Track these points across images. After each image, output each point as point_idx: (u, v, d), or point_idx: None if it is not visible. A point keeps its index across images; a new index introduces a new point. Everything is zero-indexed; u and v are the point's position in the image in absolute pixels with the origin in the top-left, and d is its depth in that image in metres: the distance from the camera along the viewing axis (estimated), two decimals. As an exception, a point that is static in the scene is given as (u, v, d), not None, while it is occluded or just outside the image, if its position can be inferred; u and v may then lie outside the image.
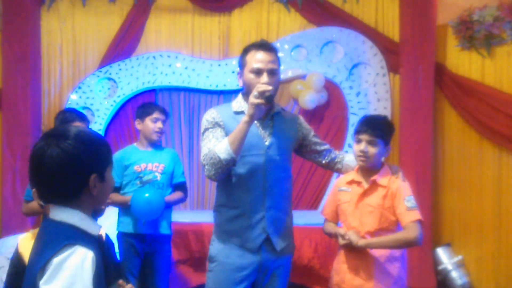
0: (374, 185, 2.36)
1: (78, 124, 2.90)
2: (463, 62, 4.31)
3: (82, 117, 2.99)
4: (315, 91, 4.51)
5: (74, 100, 4.73)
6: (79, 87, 4.76)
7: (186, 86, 4.76)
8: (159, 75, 4.75)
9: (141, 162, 3.19)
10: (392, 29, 4.59)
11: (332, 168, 2.52)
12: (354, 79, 4.58)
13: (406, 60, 4.35)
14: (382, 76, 4.52)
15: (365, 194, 2.37)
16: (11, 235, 4.17)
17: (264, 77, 2.19)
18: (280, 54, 4.65)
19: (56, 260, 1.27)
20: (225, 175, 2.19)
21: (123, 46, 4.84)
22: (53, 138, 1.37)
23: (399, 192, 2.33)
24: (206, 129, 2.25)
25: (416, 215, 2.29)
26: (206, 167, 2.16)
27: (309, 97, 4.48)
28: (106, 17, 4.87)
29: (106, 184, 1.45)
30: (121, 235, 3.20)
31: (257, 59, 2.22)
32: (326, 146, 2.49)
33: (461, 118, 4.33)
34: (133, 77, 4.74)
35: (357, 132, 2.39)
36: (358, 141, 2.37)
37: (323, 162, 2.47)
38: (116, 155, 3.27)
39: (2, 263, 3.87)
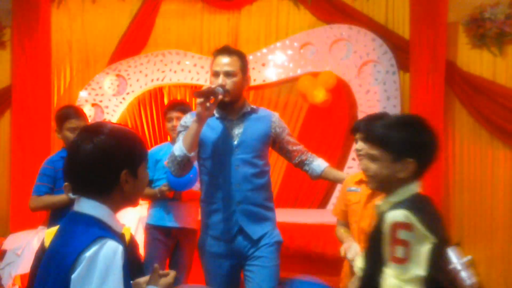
0: None
1: (73, 121, 2.86)
2: (474, 61, 4.26)
3: (78, 114, 2.94)
4: (325, 89, 4.49)
5: (83, 96, 4.75)
6: (89, 84, 4.77)
7: (195, 83, 4.76)
8: (168, 72, 4.76)
9: None
10: (403, 27, 4.55)
11: (301, 168, 2.63)
12: (364, 77, 4.55)
13: (416, 58, 4.31)
14: (391, 74, 4.48)
15: (373, 194, 2.33)
16: (19, 232, 4.20)
17: (219, 79, 2.36)
18: (289, 52, 4.69)
19: (88, 253, 1.29)
20: (185, 172, 2.40)
21: (132, 43, 4.86)
22: (88, 133, 1.43)
23: None
24: (179, 132, 2.47)
25: None
26: (169, 164, 2.38)
27: (318, 92, 4.45)
28: (116, 14, 4.89)
29: (139, 181, 1.47)
30: (148, 227, 3.26)
31: (215, 63, 2.41)
32: (299, 147, 2.59)
33: (471, 117, 4.29)
34: (142, 74, 4.75)
35: (352, 131, 2.41)
36: (356, 141, 2.37)
37: (293, 162, 2.61)
38: (150, 151, 3.33)
39: (11, 258, 3.90)
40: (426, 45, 4.22)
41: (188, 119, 2.47)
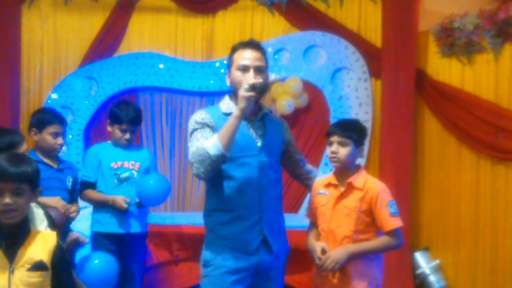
0: (350, 188, 2.40)
1: (56, 127, 2.88)
2: (444, 69, 4.36)
3: (61, 120, 2.94)
4: (292, 96, 4.53)
5: (54, 99, 4.67)
6: (59, 86, 4.69)
7: (168, 87, 4.74)
8: (141, 75, 4.71)
9: (118, 160, 3.15)
10: (375, 35, 4.62)
11: (303, 181, 2.53)
12: (336, 83, 4.60)
13: (387, 66, 4.39)
14: (363, 81, 4.55)
15: (341, 196, 2.41)
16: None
17: (251, 74, 2.17)
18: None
19: None
20: (214, 173, 2.12)
21: (105, 45, 4.79)
22: None
23: (381, 196, 2.37)
24: (195, 130, 2.19)
25: (399, 222, 2.37)
26: (195, 165, 2.07)
27: (286, 102, 4.49)
28: (88, 15, 4.82)
29: None
30: (96, 236, 3.12)
31: (244, 56, 2.21)
32: (302, 157, 2.53)
33: (440, 124, 4.38)
34: (114, 76, 4.70)
35: (328, 134, 2.45)
36: (330, 144, 2.43)
37: (297, 172, 2.50)
38: (89, 150, 3.27)
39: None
40: (397, 53, 4.31)
41: (205, 115, 2.22)
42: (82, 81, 4.72)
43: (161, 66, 4.72)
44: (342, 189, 2.42)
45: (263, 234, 2.20)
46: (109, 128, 3.24)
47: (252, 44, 2.25)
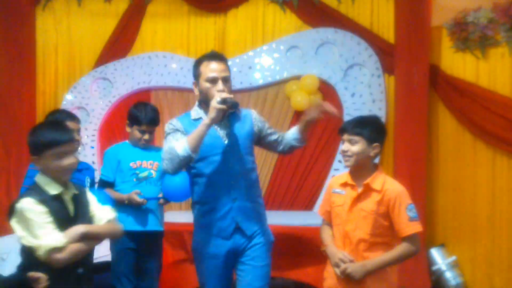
0: (367, 189, 2.31)
1: (72, 124, 2.93)
2: (458, 64, 4.32)
3: (73, 117, 2.99)
4: (308, 93, 4.52)
5: (69, 100, 4.72)
6: (74, 87, 4.75)
7: (182, 87, 4.76)
8: (155, 75, 4.75)
9: (136, 159, 3.19)
10: (387, 31, 4.60)
11: (281, 152, 2.69)
12: (349, 80, 4.59)
13: (401, 62, 4.37)
14: (377, 77, 4.53)
15: (358, 198, 2.32)
16: (5, 236, 4.15)
17: (219, 85, 2.41)
18: (275, 55, 4.71)
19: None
20: (180, 170, 2.41)
21: (118, 46, 4.84)
22: None
23: (400, 199, 2.27)
24: (168, 134, 2.48)
25: (418, 227, 2.26)
26: (165, 161, 2.36)
27: (301, 99, 4.49)
28: (102, 17, 4.87)
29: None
30: None
31: (211, 69, 2.44)
32: (278, 135, 2.66)
33: (455, 119, 4.35)
34: (128, 77, 4.74)
35: (340, 132, 2.40)
36: (342, 142, 2.39)
37: (278, 148, 2.66)
38: (109, 150, 3.29)
39: (-4, 263, 3.85)
40: (410, 49, 4.28)
41: (176, 123, 2.50)
42: (97, 82, 4.77)
43: (174, 66, 4.75)
44: (359, 190, 2.32)
45: (236, 221, 2.45)
46: (127, 129, 3.29)
47: (217, 56, 2.49)
